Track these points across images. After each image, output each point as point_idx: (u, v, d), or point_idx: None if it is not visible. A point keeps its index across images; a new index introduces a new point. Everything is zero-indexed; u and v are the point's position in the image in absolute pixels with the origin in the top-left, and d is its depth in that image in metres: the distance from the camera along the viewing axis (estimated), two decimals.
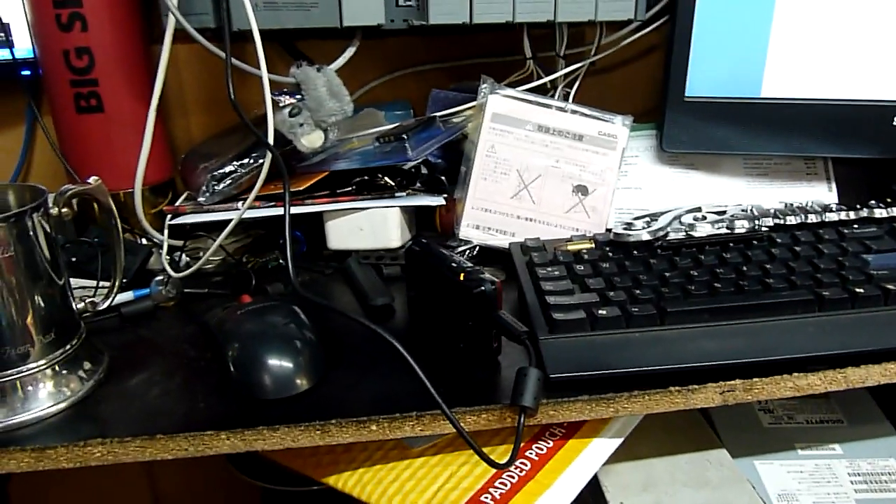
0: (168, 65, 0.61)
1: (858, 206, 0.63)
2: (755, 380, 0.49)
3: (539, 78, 0.71)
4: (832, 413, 0.63)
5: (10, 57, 0.67)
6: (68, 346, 0.50)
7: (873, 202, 0.63)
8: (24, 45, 0.68)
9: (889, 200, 0.63)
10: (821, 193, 0.69)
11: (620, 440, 0.51)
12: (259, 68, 0.57)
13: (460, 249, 0.66)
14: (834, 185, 0.69)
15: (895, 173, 0.67)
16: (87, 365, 0.51)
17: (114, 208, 0.53)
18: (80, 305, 0.53)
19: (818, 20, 0.62)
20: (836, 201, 0.69)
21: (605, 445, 0.51)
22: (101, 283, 0.60)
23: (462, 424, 0.46)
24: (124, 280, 0.63)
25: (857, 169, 0.70)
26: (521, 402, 0.43)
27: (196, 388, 0.50)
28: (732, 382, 0.48)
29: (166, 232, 0.66)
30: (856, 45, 0.62)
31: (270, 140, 0.54)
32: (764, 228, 0.61)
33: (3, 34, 0.66)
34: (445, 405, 0.46)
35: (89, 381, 0.50)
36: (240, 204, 0.65)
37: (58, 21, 0.62)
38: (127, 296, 0.61)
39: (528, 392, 0.44)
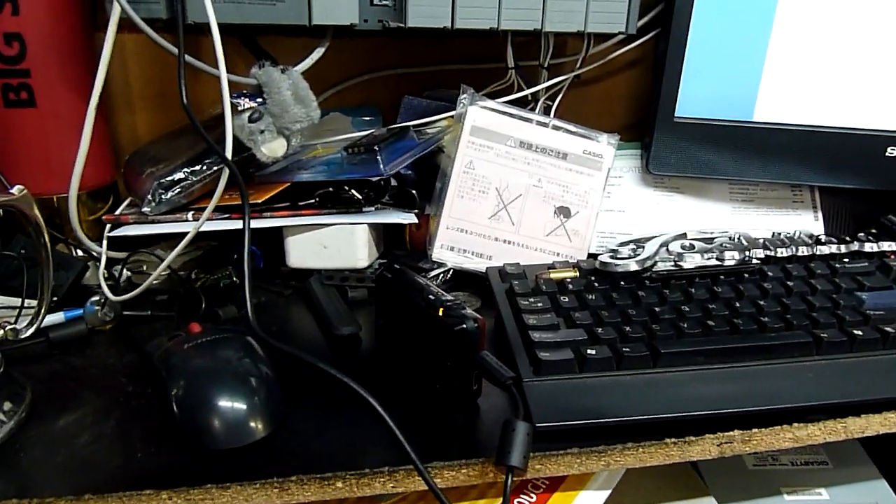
0: (112, 56, 0.54)
1: (848, 239, 0.61)
2: (754, 431, 0.45)
3: (520, 89, 0.66)
4: (816, 454, 0.60)
5: None
6: None
7: (862, 235, 0.61)
8: None
9: (875, 233, 0.61)
10: (807, 222, 0.67)
11: (608, 492, 0.47)
12: (217, 67, 0.51)
13: (433, 273, 0.61)
14: (820, 215, 0.67)
15: (883, 205, 0.65)
16: (6, 405, 0.44)
17: (41, 222, 0.46)
18: (0, 333, 0.46)
19: (816, 45, 0.59)
20: (823, 231, 0.66)
21: (591, 499, 0.46)
22: (28, 303, 0.53)
23: (438, 481, 0.41)
24: (55, 299, 0.56)
25: (843, 198, 0.68)
26: (508, 462, 0.39)
27: (134, 432, 0.43)
28: (730, 434, 0.45)
29: (105, 244, 0.59)
30: (852, 72, 0.60)
31: (229, 153, 0.48)
32: (755, 260, 0.58)
33: None
34: (420, 458, 0.41)
35: (8, 423, 0.43)
36: (189, 215, 0.59)
37: None
38: (57, 317, 0.54)
39: (515, 450, 0.39)
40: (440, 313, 0.45)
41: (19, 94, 0.57)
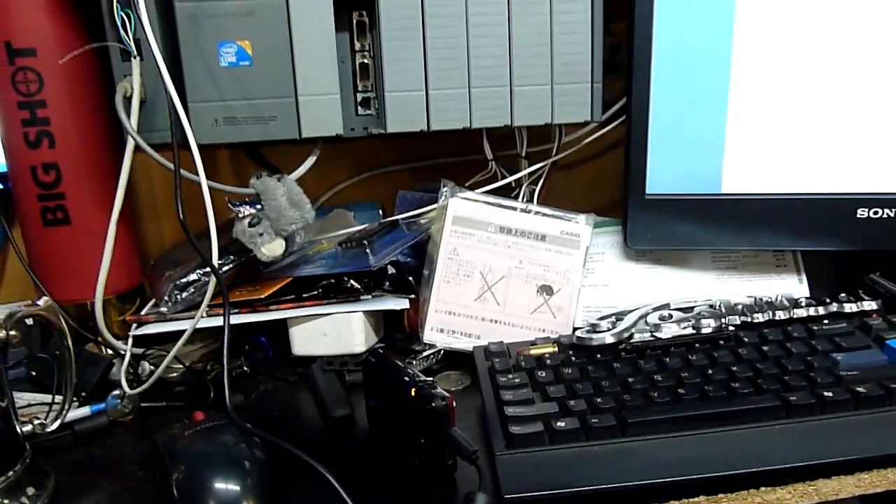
0: (138, 171, 0.62)
1: (828, 301, 0.62)
2: (720, 496, 0.47)
3: (503, 178, 0.72)
4: None
5: None
6: (10, 473, 0.48)
7: (843, 296, 0.62)
8: None
9: (858, 293, 0.62)
10: (791, 286, 0.68)
11: None
12: (217, 181, 0.58)
13: (425, 354, 0.64)
14: (804, 277, 0.68)
15: (865, 264, 0.66)
16: (30, 491, 0.49)
17: (66, 329, 0.52)
18: (28, 428, 0.52)
19: (773, 119, 0.63)
20: (807, 294, 0.67)
21: None
22: (57, 400, 0.59)
23: None
24: (83, 394, 0.62)
25: (828, 259, 0.69)
26: None
27: None
28: (696, 500, 0.46)
29: (129, 343, 0.65)
30: (812, 140, 0.63)
31: (215, 260, 0.54)
32: (731, 327, 0.60)
33: None
34: None
35: None
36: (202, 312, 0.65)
37: (25, 139, 0.63)
38: (84, 411, 0.60)
39: None
40: (413, 394, 0.49)
41: (56, 214, 0.65)
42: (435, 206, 0.68)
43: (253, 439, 0.51)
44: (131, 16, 0.57)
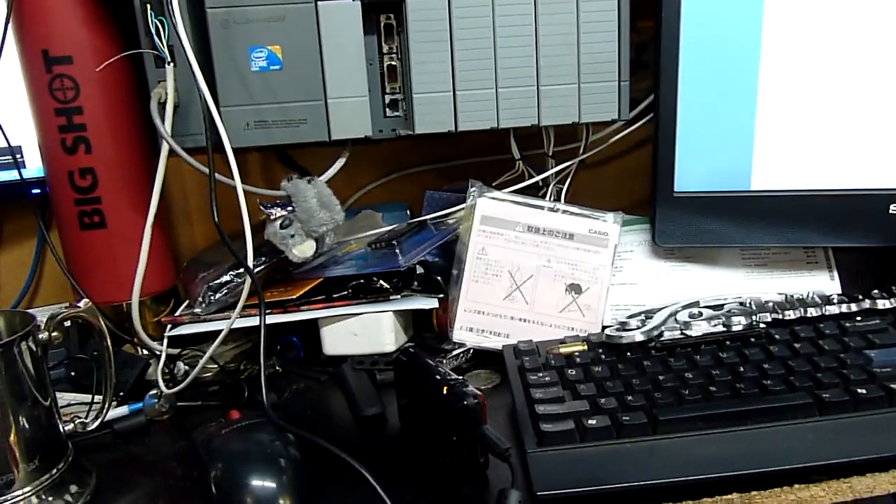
0: (171, 175, 0.63)
1: (860, 297, 0.61)
2: (753, 493, 0.46)
3: (530, 177, 0.72)
4: None
5: (19, 178, 0.70)
6: (54, 471, 0.50)
7: (876, 292, 0.62)
8: (37, 165, 0.71)
9: (893, 289, 0.62)
10: (823, 283, 0.68)
11: None
12: (247, 183, 0.59)
13: (455, 353, 0.65)
14: (836, 274, 0.68)
15: None
16: (73, 488, 0.51)
17: (105, 330, 0.54)
18: (70, 427, 0.54)
19: (802, 115, 0.62)
20: (839, 291, 0.67)
21: None
22: (97, 399, 0.60)
23: None
24: (121, 394, 0.64)
25: (860, 256, 0.68)
26: None
27: None
28: (729, 497, 0.46)
29: (165, 343, 0.67)
30: (843, 135, 0.62)
31: (250, 261, 0.55)
32: (762, 325, 0.59)
33: (11, 157, 0.69)
34: None
35: None
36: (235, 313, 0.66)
37: (63, 144, 0.65)
38: (122, 410, 0.61)
39: None
40: (444, 392, 0.49)
41: (92, 218, 0.67)
42: (463, 206, 0.69)
43: (288, 437, 0.52)
44: (165, 23, 0.58)
